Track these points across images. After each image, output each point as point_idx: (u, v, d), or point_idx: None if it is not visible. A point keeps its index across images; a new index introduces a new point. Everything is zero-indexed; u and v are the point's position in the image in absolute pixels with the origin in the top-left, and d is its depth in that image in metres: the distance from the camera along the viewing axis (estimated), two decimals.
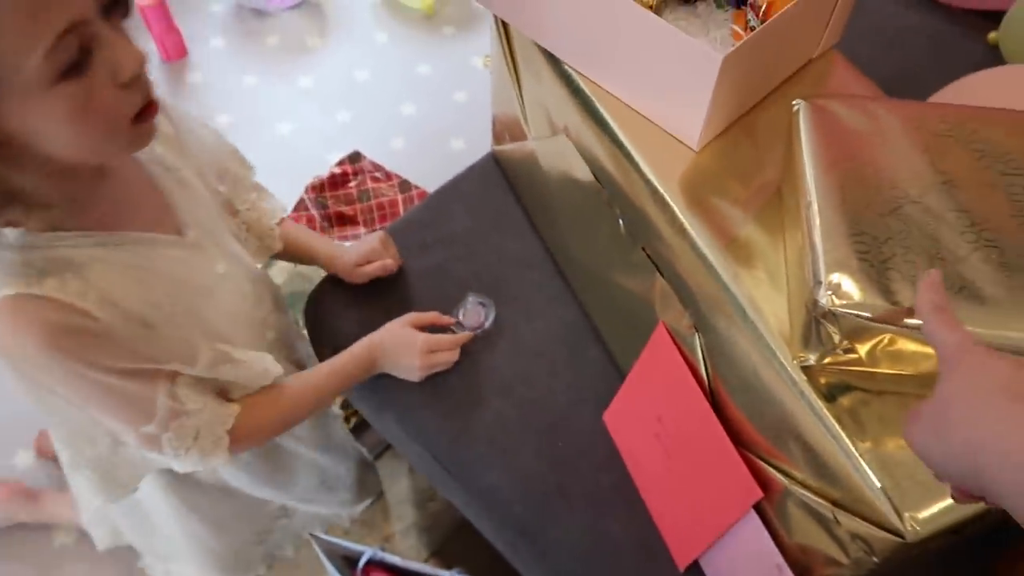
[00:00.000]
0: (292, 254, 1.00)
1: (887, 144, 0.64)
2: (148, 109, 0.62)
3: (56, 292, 0.64)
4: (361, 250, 1.01)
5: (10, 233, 0.63)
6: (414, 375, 0.94)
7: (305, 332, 1.07)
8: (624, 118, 0.78)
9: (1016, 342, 0.53)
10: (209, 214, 0.82)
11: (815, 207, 0.60)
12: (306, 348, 1.05)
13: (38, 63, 0.52)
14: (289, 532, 1.22)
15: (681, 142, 0.76)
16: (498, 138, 1.12)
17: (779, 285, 0.66)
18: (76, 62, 0.54)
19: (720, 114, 0.73)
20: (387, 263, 1.01)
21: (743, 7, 0.78)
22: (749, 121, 0.78)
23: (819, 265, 0.57)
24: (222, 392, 0.81)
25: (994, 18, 1.18)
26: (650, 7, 0.76)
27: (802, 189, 0.62)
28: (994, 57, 1.17)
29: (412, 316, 0.96)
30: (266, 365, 0.83)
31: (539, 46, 0.84)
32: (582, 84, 0.80)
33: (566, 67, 0.82)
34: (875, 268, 0.56)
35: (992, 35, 1.18)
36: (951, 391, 0.43)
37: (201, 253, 0.78)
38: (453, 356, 0.95)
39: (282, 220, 0.97)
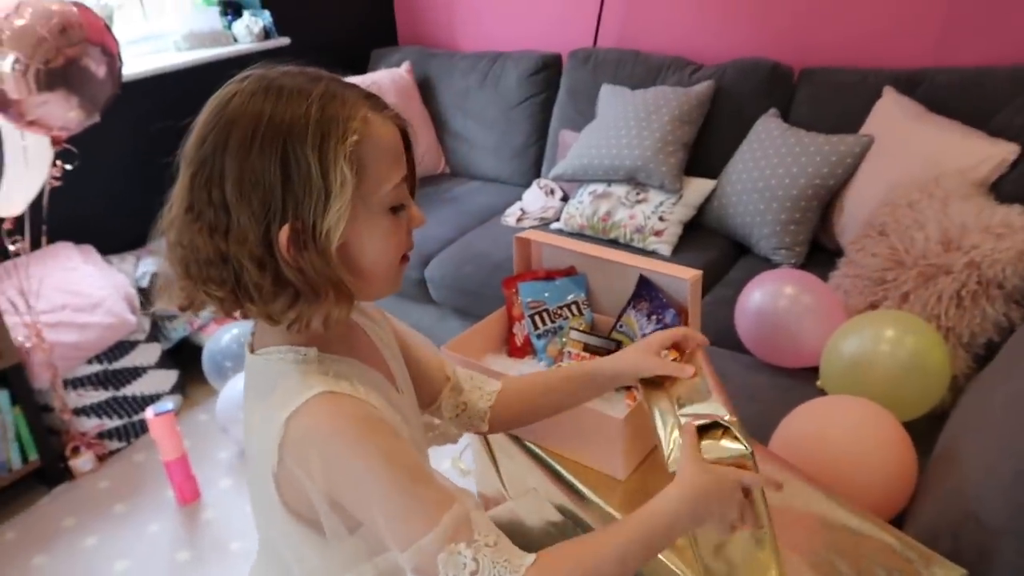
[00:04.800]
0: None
1: None
2: (406, 257, 0.82)
3: (353, 392, 0.75)
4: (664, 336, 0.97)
5: (309, 351, 0.79)
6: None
7: None
8: (573, 470, 1.17)
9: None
10: (405, 377, 0.95)
11: None
12: None
13: (388, 191, 0.76)
14: None
15: (612, 477, 1.15)
16: (485, 507, 1.48)
17: None
18: (398, 205, 0.78)
19: (632, 454, 1.14)
20: (686, 368, 0.94)
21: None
22: (655, 455, 1.18)
23: None
24: None
25: (817, 371, 1.67)
26: None
27: None
28: (825, 395, 1.63)
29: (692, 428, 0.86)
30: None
31: (509, 435, 1.26)
32: (542, 453, 1.21)
33: (528, 444, 1.23)
34: None
35: (818, 382, 1.67)
36: None
37: (407, 404, 0.91)
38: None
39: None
